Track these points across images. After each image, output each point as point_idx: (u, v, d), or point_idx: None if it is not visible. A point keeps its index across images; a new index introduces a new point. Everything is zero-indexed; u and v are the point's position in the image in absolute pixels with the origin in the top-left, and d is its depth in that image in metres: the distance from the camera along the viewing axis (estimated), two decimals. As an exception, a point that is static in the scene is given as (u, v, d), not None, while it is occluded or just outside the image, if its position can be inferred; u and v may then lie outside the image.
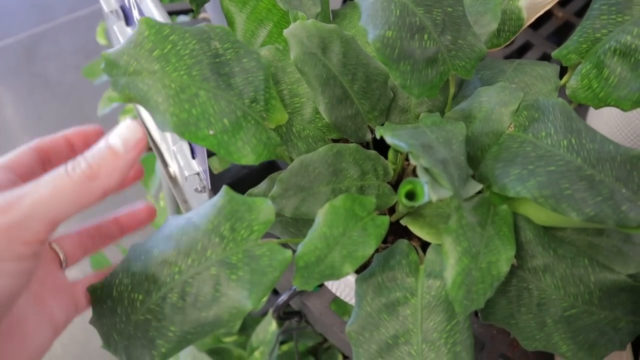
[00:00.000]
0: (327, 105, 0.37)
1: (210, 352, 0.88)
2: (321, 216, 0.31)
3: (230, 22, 0.44)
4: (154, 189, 1.03)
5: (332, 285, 0.48)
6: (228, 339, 0.95)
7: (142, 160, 1.06)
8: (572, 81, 0.35)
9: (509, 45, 0.75)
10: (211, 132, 0.31)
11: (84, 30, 1.91)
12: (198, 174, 0.45)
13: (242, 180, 0.61)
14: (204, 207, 0.32)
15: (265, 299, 0.94)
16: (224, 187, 0.31)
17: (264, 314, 0.83)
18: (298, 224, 0.38)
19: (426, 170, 0.27)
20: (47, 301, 0.31)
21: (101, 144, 0.27)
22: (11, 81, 1.74)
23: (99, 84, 1.25)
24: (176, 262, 0.30)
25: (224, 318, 0.30)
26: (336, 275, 0.30)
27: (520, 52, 0.76)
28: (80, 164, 0.27)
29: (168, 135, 0.49)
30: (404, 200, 0.30)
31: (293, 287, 0.55)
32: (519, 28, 0.42)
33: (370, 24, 0.33)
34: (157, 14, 0.36)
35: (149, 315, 0.30)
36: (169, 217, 0.33)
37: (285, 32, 0.35)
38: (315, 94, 0.36)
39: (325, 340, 0.91)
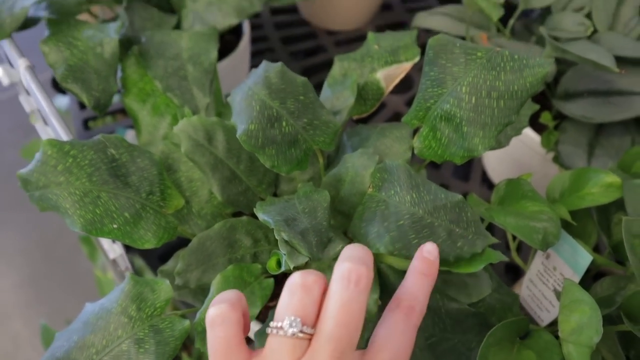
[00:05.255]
0: (219, 186, 0.43)
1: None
2: (214, 286, 0.37)
3: (134, 118, 0.50)
4: (101, 263, 1.06)
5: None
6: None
7: (84, 237, 1.10)
8: (417, 142, 0.42)
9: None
10: (114, 226, 0.37)
11: (22, 107, 1.93)
12: (121, 255, 0.50)
13: (176, 248, 0.66)
14: (114, 292, 0.37)
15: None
16: (128, 274, 0.37)
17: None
18: (205, 292, 0.43)
19: (286, 242, 0.33)
20: None
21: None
22: (-50, 168, 1.74)
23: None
24: (93, 344, 0.35)
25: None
26: (230, 336, 0.35)
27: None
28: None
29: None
30: (274, 268, 0.36)
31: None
32: (382, 95, 0.49)
33: (238, 120, 0.39)
34: (63, 133, 0.42)
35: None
36: (87, 305, 0.38)
37: (175, 129, 0.42)
38: (208, 177, 0.42)
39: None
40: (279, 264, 0.36)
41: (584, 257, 0.42)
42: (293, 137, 0.40)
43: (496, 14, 0.53)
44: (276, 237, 0.33)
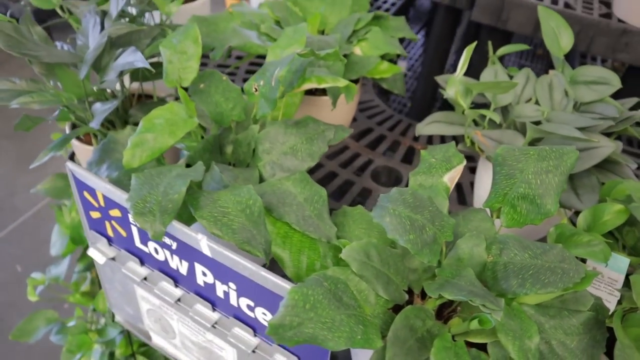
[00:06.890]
0: (383, 289, 0.57)
1: None
2: (432, 357, 0.51)
3: (280, 260, 0.63)
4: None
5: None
6: None
7: None
8: (502, 217, 0.61)
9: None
10: (359, 337, 0.50)
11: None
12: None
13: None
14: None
15: None
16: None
17: None
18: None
19: (483, 305, 0.49)
20: None
21: None
22: None
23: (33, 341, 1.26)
24: None
25: None
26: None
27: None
28: None
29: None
30: (476, 326, 0.51)
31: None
32: (448, 192, 0.68)
33: (396, 235, 0.55)
34: (284, 283, 0.54)
35: None
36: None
37: (343, 255, 0.56)
38: (373, 285, 0.57)
39: None
40: (478, 322, 0.52)
41: (623, 261, 0.63)
42: (433, 236, 0.57)
43: (497, 119, 0.76)
44: (472, 304, 0.49)
